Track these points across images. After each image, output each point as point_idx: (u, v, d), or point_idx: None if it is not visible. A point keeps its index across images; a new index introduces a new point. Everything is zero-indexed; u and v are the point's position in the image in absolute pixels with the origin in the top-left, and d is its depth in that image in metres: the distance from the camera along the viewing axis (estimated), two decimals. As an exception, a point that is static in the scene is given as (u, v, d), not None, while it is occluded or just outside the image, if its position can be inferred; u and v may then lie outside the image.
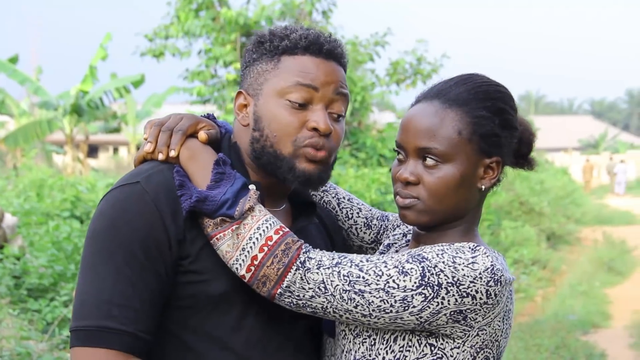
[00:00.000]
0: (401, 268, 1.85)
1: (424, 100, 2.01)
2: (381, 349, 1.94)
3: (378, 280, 1.84)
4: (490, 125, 1.95)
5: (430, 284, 1.83)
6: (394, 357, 1.93)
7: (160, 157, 1.99)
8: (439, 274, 1.84)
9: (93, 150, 40.85)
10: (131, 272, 1.86)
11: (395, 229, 2.31)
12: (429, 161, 1.94)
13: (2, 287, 7.65)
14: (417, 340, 1.91)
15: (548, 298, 12.82)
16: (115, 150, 44.47)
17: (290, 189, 2.11)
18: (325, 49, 2.00)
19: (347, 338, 1.99)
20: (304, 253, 1.88)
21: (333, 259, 1.88)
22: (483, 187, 1.99)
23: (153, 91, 26.42)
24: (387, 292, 1.84)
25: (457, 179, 1.94)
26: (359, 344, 1.97)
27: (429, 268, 1.84)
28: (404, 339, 1.92)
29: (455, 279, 1.84)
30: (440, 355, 1.91)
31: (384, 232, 2.35)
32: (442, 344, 1.91)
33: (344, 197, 2.39)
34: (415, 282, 1.83)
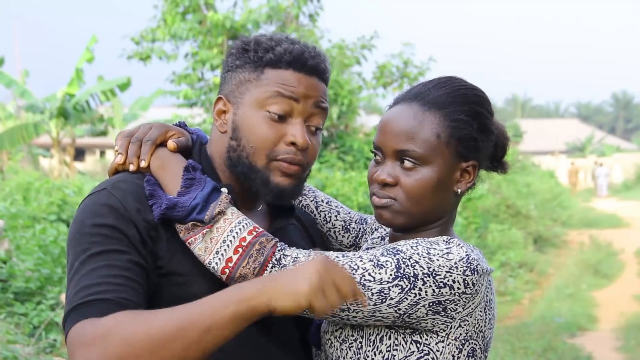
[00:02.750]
0: (376, 261, 1.86)
1: (402, 102, 2.02)
2: (369, 351, 1.94)
3: (354, 274, 1.85)
4: (468, 129, 1.97)
5: (406, 276, 1.84)
6: (383, 357, 1.93)
7: (132, 167, 2.02)
8: (414, 265, 1.85)
9: (80, 154, 40.70)
10: (106, 258, 1.85)
11: (373, 232, 2.32)
12: (407, 163, 1.95)
13: (-11, 291, 7.62)
14: (403, 338, 1.92)
15: (535, 301, 12.86)
16: (102, 153, 44.32)
17: None
18: (309, 65, 2.00)
19: (334, 346, 2.00)
20: (279, 250, 1.89)
21: (309, 255, 1.89)
22: (459, 190, 2.01)
23: (140, 94, 26.32)
24: (364, 285, 1.84)
25: (434, 182, 1.95)
26: (346, 349, 1.97)
27: (404, 260, 1.85)
28: (389, 339, 1.93)
29: (431, 270, 1.85)
30: (427, 352, 1.91)
31: (362, 235, 2.35)
32: (427, 339, 1.91)
33: (322, 201, 2.39)
34: (391, 274, 1.84)
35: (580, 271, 15.44)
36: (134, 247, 1.89)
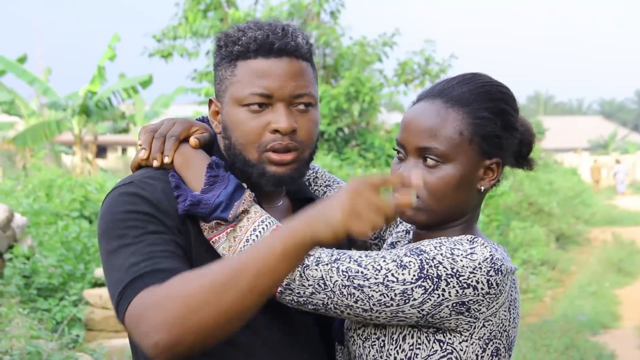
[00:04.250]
0: (399, 262, 1.84)
1: (425, 99, 2.00)
2: (391, 349, 1.93)
3: (377, 275, 1.83)
4: (491, 126, 1.95)
5: (430, 276, 1.83)
6: (405, 356, 1.92)
7: (155, 163, 2.01)
8: (438, 266, 1.83)
9: (102, 151, 40.93)
10: (147, 239, 1.85)
11: (398, 225, 2.30)
12: (430, 161, 1.93)
13: (12, 287, 7.69)
14: (426, 337, 1.91)
15: (557, 299, 12.80)
16: (124, 150, 44.57)
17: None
18: (276, 48, 1.96)
19: (356, 343, 1.99)
20: None
21: (332, 255, 1.87)
22: (482, 188, 1.99)
23: (161, 92, 26.44)
24: (387, 285, 1.83)
25: (457, 180, 1.94)
26: (369, 347, 1.97)
27: (427, 260, 1.84)
28: (412, 337, 1.92)
29: (455, 270, 1.83)
30: (450, 351, 1.90)
31: (386, 228, 2.34)
32: (450, 338, 1.90)
33: None
34: (414, 275, 1.83)
35: (603, 269, 15.34)
36: (171, 232, 1.89)
